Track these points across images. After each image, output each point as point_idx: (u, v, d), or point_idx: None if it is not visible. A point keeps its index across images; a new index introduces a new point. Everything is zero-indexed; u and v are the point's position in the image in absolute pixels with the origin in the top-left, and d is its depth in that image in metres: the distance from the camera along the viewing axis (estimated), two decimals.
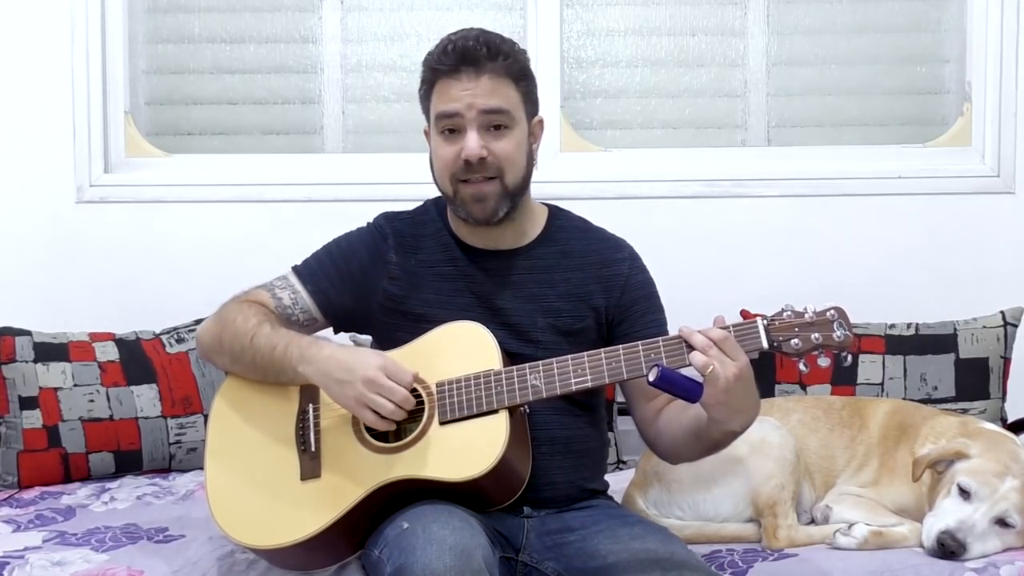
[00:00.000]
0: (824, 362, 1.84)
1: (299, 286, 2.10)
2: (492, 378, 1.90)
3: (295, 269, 2.14)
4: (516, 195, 2.03)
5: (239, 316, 2.04)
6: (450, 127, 1.99)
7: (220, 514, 1.96)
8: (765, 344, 1.82)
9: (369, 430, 1.93)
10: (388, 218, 2.15)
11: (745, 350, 1.82)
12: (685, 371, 1.81)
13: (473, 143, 1.96)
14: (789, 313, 1.85)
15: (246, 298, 2.11)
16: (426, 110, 2.06)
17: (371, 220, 2.16)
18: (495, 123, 1.98)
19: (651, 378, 1.78)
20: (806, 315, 1.84)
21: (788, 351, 1.83)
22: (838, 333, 1.83)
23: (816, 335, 1.82)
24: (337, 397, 1.91)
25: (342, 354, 1.92)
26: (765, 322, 1.83)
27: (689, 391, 1.79)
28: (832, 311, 1.85)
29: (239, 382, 2.07)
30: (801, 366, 1.85)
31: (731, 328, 1.83)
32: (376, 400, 1.85)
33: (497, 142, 1.98)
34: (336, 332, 2.17)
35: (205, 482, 2.01)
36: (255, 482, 1.97)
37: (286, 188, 3.13)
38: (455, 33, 2.02)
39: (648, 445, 2.11)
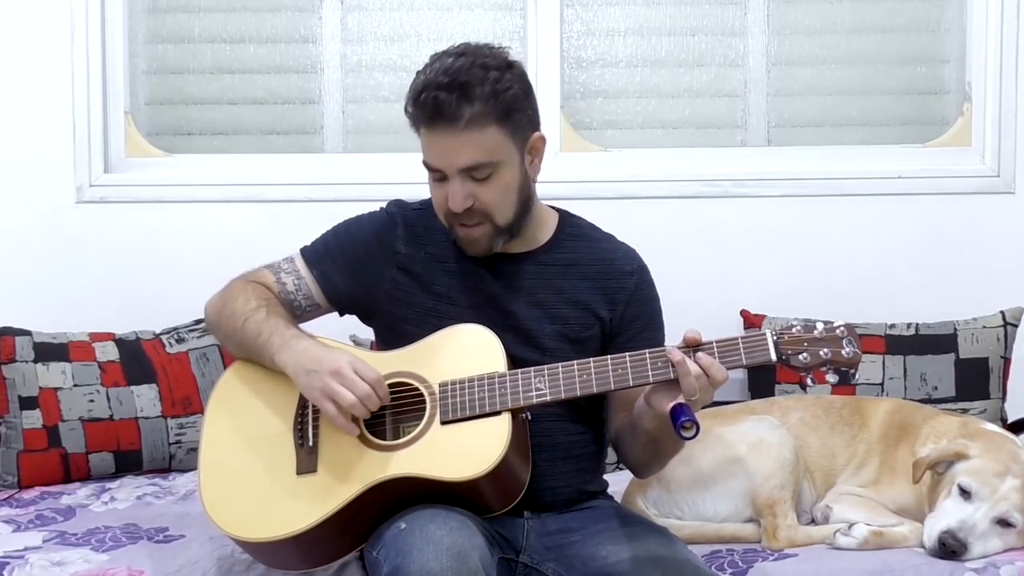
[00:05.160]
0: (832, 378, 1.85)
1: (305, 271, 2.10)
2: (496, 380, 1.89)
3: (303, 252, 2.13)
4: (512, 227, 2.00)
5: (241, 297, 2.05)
6: (435, 175, 1.96)
7: (212, 506, 1.94)
8: (773, 357, 1.82)
9: (368, 427, 1.92)
10: (400, 206, 2.13)
11: (752, 362, 1.83)
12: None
13: (456, 197, 1.92)
14: (799, 328, 1.85)
15: (252, 278, 2.10)
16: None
17: (384, 205, 2.14)
18: (477, 175, 1.93)
19: (688, 435, 1.77)
20: (816, 331, 1.85)
21: (796, 365, 1.83)
22: (847, 350, 1.84)
23: (825, 350, 1.83)
24: (304, 388, 1.90)
25: (316, 348, 1.92)
26: (775, 335, 1.84)
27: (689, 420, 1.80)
28: (842, 328, 1.86)
29: (238, 373, 2.06)
30: (808, 380, 1.85)
31: (734, 341, 1.83)
32: (337, 390, 1.84)
33: (482, 189, 1.93)
34: (341, 315, 2.15)
35: (198, 472, 1.99)
36: (249, 474, 1.95)
37: (286, 188, 3.13)
38: (430, 71, 1.91)
39: (617, 454, 2.10)
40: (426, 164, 1.96)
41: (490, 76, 1.89)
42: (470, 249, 2.01)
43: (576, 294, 2.06)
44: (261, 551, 1.96)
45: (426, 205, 2.12)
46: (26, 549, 2.21)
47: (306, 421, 1.96)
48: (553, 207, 2.15)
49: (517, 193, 1.98)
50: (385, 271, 2.06)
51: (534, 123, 2.00)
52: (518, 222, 2.01)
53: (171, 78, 3.26)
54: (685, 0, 3.20)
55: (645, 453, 2.00)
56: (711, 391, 1.82)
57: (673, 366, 1.81)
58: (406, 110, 1.96)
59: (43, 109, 3.11)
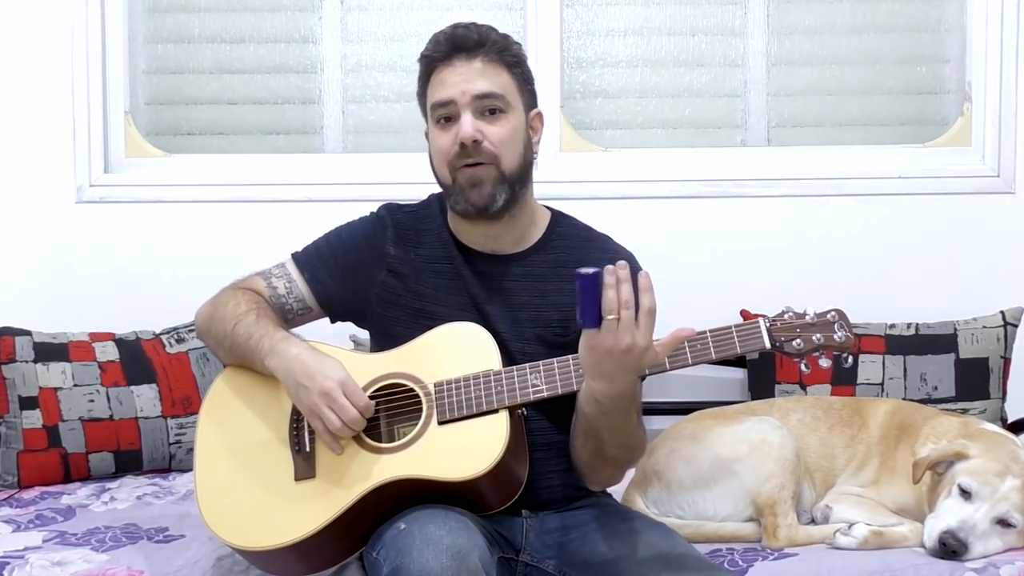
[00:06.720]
0: (825, 363, 1.87)
1: (296, 275, 2.11)
2: (492, 378, 1.90)
3: (295, 256, 2.14)
4: (514, 184, 2.00)
5: (231, 302, 2.06)
6: (445, 115, 1.99)
7: (210, 515, 1.94)
8: (767, 344, 1.84)
9: (365, 429, 1.92)
10: (390, 209, 2.14)
11: (747, 349, 1.83)
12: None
13: (467, 125, 1.96)
14: (791, 315, 1.88)
15: (243, 285, 2.12)
16: (423, 106, 2.06)
17: (375, 210, 2.16)
18: (489, 107, 1.98)
19: (582, 271, 1.67)
20: (807, 317, 1.87)
21: (790, 351, 1.85)
22: (839, 334, 1.86)
23: (817, 336, 1.85)
24: (294, 399, 1.93)
25: (309, 357, 1.92)
26: (767, 323, 1.86)
27: (587, 310, 1.68)
28: (833, 313, 1.88)
29: (229, 381, 2.06)
30: (802, 367, 1.88)
31: (728, 329, 1.83)
32: (326, 414, 1.86)
33: (491, 126, 1.98)
34: (333, 322, 2.17)
35: (194, 481, 1.99)
36: (247, 482, 1.95)
37: (286, 188, 3.13)
38: (447, 27, 2.05)
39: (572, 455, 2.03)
40: (437, 104, 2.00)
41: (500, 32, 2.05)
42: (474, 196, 1.98)
43: (560, 296, 2.04)
44: (262, 559, 1.95)
45: (417, 208, 2.14)
46: (26, 549, 2.21)
47: (301, 427, 1.96)
48: (548, 207, 2.15)
49: (522, 147, 2.02)
50: (375, 274, 2.07)
51: (535, 97, 2.09)
52: (518, 182, 2.01)
53: (171, 78, 3.26)
54: (685, 0, 3.20)
55: (586, 447, 1.93)
56: (638, 329, 1.69)
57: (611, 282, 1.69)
58: (420, 61, 2.04)
59: (43, 109, 3.11)
